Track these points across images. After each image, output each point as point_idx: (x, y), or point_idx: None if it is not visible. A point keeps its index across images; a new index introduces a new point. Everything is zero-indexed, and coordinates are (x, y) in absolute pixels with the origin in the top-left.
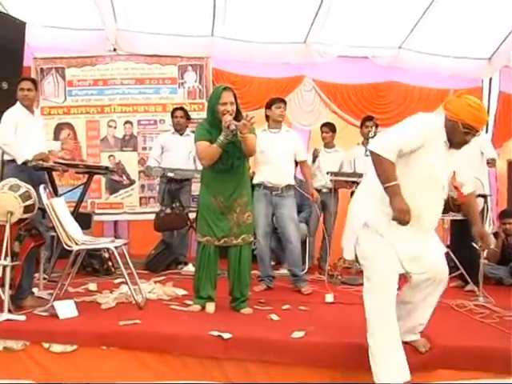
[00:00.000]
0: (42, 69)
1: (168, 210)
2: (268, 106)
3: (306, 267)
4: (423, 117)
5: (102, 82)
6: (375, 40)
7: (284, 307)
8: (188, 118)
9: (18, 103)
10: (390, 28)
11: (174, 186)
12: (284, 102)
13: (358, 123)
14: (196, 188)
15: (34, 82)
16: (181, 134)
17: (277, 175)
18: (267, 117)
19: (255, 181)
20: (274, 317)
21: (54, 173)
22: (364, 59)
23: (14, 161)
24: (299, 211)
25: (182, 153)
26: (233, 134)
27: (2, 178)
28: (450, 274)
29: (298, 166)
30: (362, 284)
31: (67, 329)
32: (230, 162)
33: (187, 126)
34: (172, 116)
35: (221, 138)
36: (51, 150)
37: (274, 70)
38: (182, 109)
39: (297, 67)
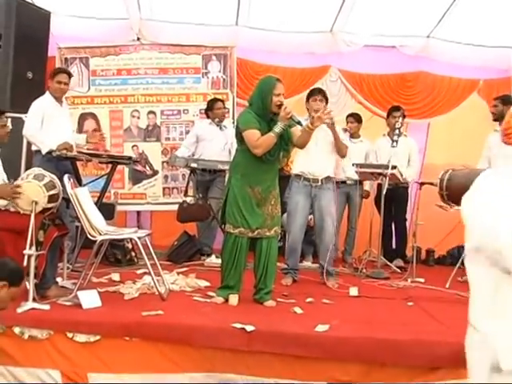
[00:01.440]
0: (66, 58)
1: (192, 201)
2: (306, 99)
3: None
4: None
5: (126, 72)
6: (403, 29)
7: (307, 300)
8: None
9: (47, 93)
10: (418, 16)
11: (207, 176)
12: (322, 92)
13: (385, 114)
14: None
15: (69, 75)
16: (218, 126)
17: (316, 166)
18: (307, 109)
19: (295, 171)
20: (298, 310)
21: (77, 163)
22: (391, 48)
23: (40, 151)
24: None
25: (218, 144)
26: (289, 125)
27: (30, 168)
28: None
29: None
30: (387, 278)
31: (90, 319)
32: (277, 153)
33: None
34: (211, 108)
35: (279, 127)
36: (77, 144)
37: (299, 60)
38: (221, 100)
39: (322, 57)
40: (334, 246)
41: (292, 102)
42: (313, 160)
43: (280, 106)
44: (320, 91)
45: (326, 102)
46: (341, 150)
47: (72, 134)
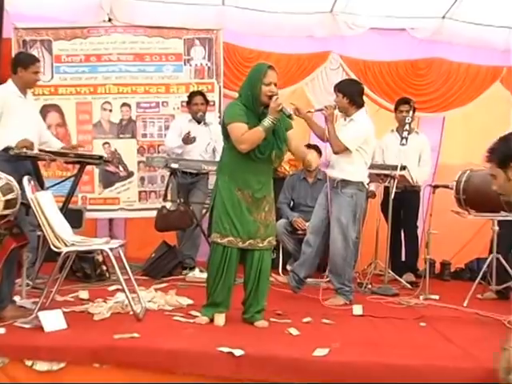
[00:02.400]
0: (24, 41)
1: (172, 207)
2: None
3: None
4: None
5: (95, 58)
6: (414, 9)
7: (305, 320)
8: (208, 102)
9: (9, 82)
10: None
11: (188, 179)
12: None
13: (393, 107)
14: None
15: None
16: (199, 123)
17: (332, 167)
18: None
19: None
20: (294, 331)
21: (39, 163)
22: (401, 32)
23: None
24: None
25: (200, 142)
26: (278, 120)
27: None
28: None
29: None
30: (396, 295)
31: (54, 343)
32: (268, 151)
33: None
34: (189, 102)
35: (269, 120)
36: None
37: (295, 45)
38: (200, 93)
39: (321, 41)
40: (346, 261)
41: (287, 92)
42: (332, 160)
43: (271, 96)
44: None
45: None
46: (332, 145)
47: (43, 131)
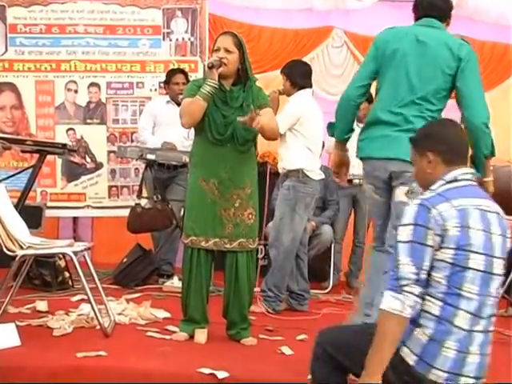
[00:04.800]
0: None
1: (148, 205)
2: None
3: (330, 284)
4: None
5: (58, 29)
6: None
7: (299, 337)
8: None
9: None
10: None
11: (165, 173)
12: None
13: None
14: None
15: None
16: (179, 105)
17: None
18: None
19: None
20: (286, 350)
21: None
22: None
23: None
24: (323, 208)
25: (179, 129)
26: (215, 87)
27: None
28: None
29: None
30: None
31: (5, 364)
32: (230, 131)
33: None
34: (168, 82)
35: (204, 86)
36: None
37: (293, 19)
38: (182, 71)
39: (323, 15)
40: (276, 263)
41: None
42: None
43: (220, 66)
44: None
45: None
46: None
47: None
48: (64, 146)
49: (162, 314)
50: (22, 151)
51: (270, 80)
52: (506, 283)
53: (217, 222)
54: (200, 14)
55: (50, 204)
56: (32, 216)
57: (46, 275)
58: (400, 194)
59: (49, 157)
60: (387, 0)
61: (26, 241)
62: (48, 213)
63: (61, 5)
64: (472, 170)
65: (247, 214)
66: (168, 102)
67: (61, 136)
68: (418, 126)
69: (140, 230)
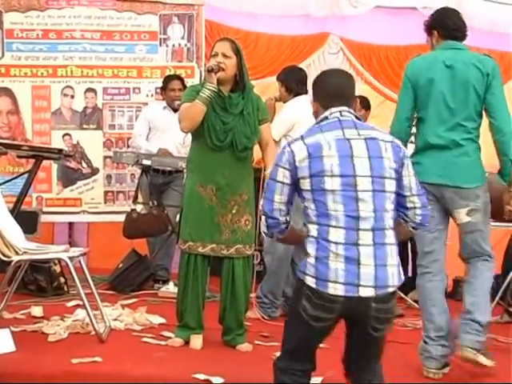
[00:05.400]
0: None
1: (143, 210)
2: None
3: None
4: None
5: (55, 34)
6: None
7: None
8: (186, 88)
9: None
10: None
11: (161, 178)
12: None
13: None
14: None
15: None
16: (175, 111)
17: None
18: None
19: None
20: None
21: None
22: (411, 11)
23: None
24: None
25: (175, 135)
26: (214, 91)
27: None
28: None
29: None
30: (400, 316)
31: (1, 369)
32: (230, 138)
33: None
34: (164, 88)
35: (204, 90)
36: None
37: (289, 25)
38: (178, 78)
39: (319, 21)
40: (271, 269)
41: None
42: None
43: (219, 71)
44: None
45: None
46: None
47: None
48: (60, 151)
49: (157, 319)
50: (18, 156)
51: (266, 86)
52: (501, 290)
53: (214, 228)
54: (197, 20)
55: (45, 209)
56: (27, 221)
57: (41, 281)
58: (462, 217)
59: (45, 162)
60: (383, 7)
61: (21, 246)
62: (44, 218)
63: (58, 10)
64: (347, 108)
65: (244, 220)
66: (164, 107)
67: (57, 141)
68: (468, 148)
69: (136, 235)
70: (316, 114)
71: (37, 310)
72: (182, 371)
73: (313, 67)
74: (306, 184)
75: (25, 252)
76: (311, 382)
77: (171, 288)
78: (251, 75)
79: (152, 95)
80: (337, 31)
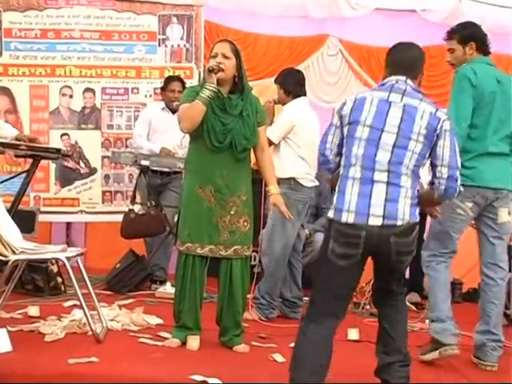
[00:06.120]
0: None
1: (141, 210)
2: None
3: None
4: None
5: (54, 34)
6: None
7: (292, 345)
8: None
9: None
10: None
11: (159, 179)
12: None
13: None
14: None
15: None
16: (174, 113)
17: None
18: None
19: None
20: (279, 357)
21: None
22: (410, 14)
23: None
24: (316, 216)
25: (173, 136)
26: (214, 91)
27: None
28: None
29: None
30: None
31: None
32: (229, 139)
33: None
34: (164, 88)
35: (204, 90)
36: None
37: (288, 27)
38: (179, 79)
39: (318, 23)
40: (268, 270)
41: None
42: None
43: (219, 71)
44: None
45: None
46: None
47: None
48: (58, 150)
49: (154, 320)
50: (16, 156)
51: (265, 87)
52: None
53: (212, 229)
54: (196, 20)
55: (43, 209)
56: (25, 221)
57: (38, 280)
58: (503, 215)
59: (43, 162)
60: (382, 9)
61: (18, 246)
62: (41, 218)
63: (56, 10)
64: (405, 78)
65: (242, 221)
66: (163, 109)
67: (55, 141)
68: None
69: (133, 235)
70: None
71: (34, 310)
72: (178, 372)
73: (311, 69)
74: (345, 130)
75: (22, 252)
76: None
77: (168, 289)
78: (250, 76)
79: (151, 96)
80: (336, 33)
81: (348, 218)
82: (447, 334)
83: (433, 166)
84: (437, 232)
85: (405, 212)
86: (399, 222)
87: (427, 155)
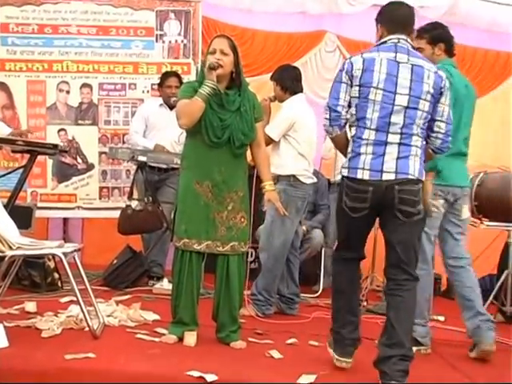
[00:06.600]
0: None
1: (138, 206)
2: None
3: (320, 288)
4: None
5: (51, 29)
6: None
7: (289, 341)
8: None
9: None
10: None
11: (156, 175)
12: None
13: None
14: None
15: None
16: (171, 109)
17: None
18: None
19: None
20: (276, 354)
21: None
22: None
23: None
24: (314, 213)
25: (171, 133)
26: (216, 85)
27: None
28: None
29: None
30: None
31: None
32: (227, 135)
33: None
34: (161, 84)
35: (204, 87)
36: None
37: (285, 23)
38: (176, 75)
39: (316, 19)
40: (266, 266)
41: None
42: None
43: (218, 68)
44: None
45: None
46: None
47: None
48: (55, 146)
49: (151, 316)
50: (13, 151)
51: (262, 83)
52: (495, 290)
53: (210, 225)
54: (193, 16)
55: (40, 204)
56: (22, 216)
57: (35, 276)
58: (465, 211)
59: (40, 157)
60: (380, 5)
61: (15, 241)
62: (38, 213)
63: (54, 5)
64: (405, 37)
65: (239, 217)
66: (161, 105)
67: (52, 136)
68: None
69: (130, 231)
70: (379, 38)
71: (30, 306)
72: (175, 368)
73: (309, 65)
74: (354, 91)
75: (19, 247)
76: (302, 380)
77: (165, 285)
78: (247, 72)
79: (148, 91)
80: (333, 29)
81: (363, 174)
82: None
83: (431, 121)
84: None
85: (415, 168)
86: (410, 177)
87: (432, 111)
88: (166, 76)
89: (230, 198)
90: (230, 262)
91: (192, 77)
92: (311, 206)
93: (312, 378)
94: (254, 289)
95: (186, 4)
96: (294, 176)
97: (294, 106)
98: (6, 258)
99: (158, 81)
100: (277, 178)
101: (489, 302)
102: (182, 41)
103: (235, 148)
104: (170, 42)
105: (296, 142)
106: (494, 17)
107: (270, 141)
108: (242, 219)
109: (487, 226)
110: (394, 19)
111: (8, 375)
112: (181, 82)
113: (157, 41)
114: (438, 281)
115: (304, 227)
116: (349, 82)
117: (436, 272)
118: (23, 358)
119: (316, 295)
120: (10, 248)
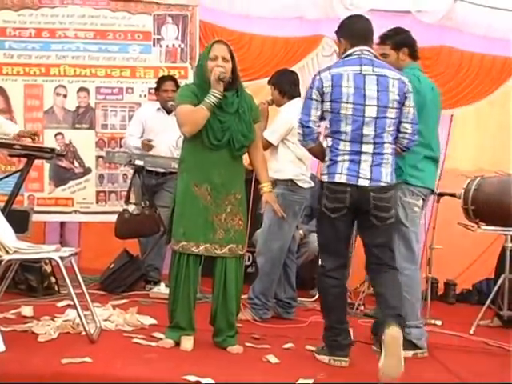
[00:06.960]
0: None
1: (135, 211)
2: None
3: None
4: None
5: (48, 33)
6: None
7: (286, 346)
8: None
9: None
10: None
11: (154, 179)
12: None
13: None
14: None
15: None
16: (169, 113)
17: None
18: None
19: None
20: (272, 358)
21: None
22: (405, 15)
23: None
24: (311, 217)
25: (169, 137)
26: (222, 94)
27: None
28: None
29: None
30: None
31: None
32: (227, 137)
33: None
34: (158, 88)
35: (210, 96)
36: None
37: (283, 27)
38: (172, 79)
39: (313, 23)
40: (263, 270)
41: None
42: None
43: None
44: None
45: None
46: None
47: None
48: (52, 150)
49: (148, 320)
50: (10, 155)
51: (260, 87)
52: (492, 294)
53: (208, 228)
54: (191, 20)
55: (37, 208)
56: (19, 220)
57: (31, 280)
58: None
59: (37, 161)
60: (377, 10)
61: (12, 245)
62: (35, 217)
63: (51, 9)
64: (369, 48)
65: (237, 219)
66: (158, 109)
67: (49, 140)
68: None
69: (127, 235)
70: (343, 51)
71: (27, 310)
72: (172, 372)
73: (306, 69)
74: (326, 106)
75: (15, 251)
76: (302, 382)
77: (162, 289)
78: (245, 76)
79: (145, 95)
80: (331, 34)
81: (341, 178)
82: None
83: (398, 123)
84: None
85: (387, 175)
86: (382, 184)
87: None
88: (162, 80)
89: (228, 200)
90: (228, 264)
91: (189, 80)
92: (308, 210)
93: (309, 382)
94: (251, 293)
95: (184, 8)
96: (291, 180)
97: (292, 110)
98: (3, 262)
99: (156, 84)
100: (275, 183)
101: (486, 306)
102: (180, 45)
103: (235, 150)
104: (167, 46)
105: (295, 146)
106: (491, 22)
107: (268, 145)
108: (240, 222)
109: (484, 230)
110: (355, 33)
111: (4, 379)
112: (177, 86)
113: (154, 45)
114: (435, 285)
115: (301, 231)
116: (319, 99)
117: (433, 276)
118: (20, 362)
119: (313, 299)
120: (7, 252)
